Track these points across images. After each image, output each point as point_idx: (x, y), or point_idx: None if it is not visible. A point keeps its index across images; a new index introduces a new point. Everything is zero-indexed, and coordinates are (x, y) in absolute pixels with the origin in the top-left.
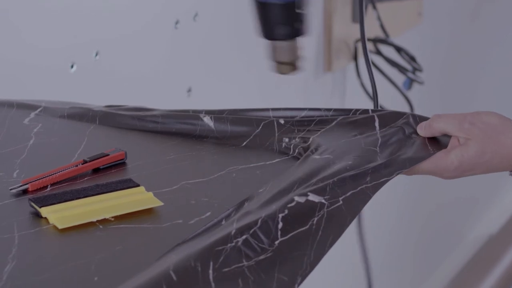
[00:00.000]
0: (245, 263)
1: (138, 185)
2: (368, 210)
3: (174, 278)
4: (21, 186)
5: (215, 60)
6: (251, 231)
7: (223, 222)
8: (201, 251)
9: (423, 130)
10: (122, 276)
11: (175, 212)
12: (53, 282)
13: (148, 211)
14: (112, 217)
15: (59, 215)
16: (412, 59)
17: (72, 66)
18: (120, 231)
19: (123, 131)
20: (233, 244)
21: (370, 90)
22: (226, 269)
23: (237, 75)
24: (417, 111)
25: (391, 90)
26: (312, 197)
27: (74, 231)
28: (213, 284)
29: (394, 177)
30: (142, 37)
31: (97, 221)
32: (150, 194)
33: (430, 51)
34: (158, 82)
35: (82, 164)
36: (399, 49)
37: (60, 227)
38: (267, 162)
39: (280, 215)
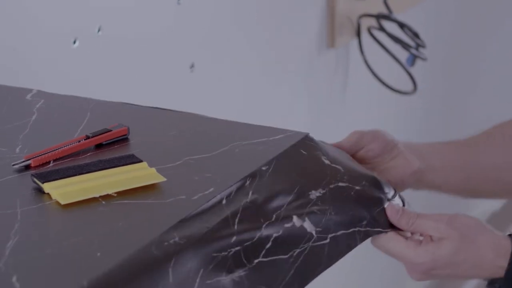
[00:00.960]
0: (225, 277)
1: (141, 161)
2: None
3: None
4: (23, 161)
5: (218, 36)
6: (246, 244)
7: (224, 201)
8: (202, 254)
9: (399, 222)
10: (125, 251)
11: (178, 187)
12: (55, 258)
13: (151, 187)
14: (115, 193)
15: (62, 190)
16: (415, 35)
17: (74, 42)
18: (123, 207)
19: (126, 106)
20: (226, 253)
21: (373, 67)
22: (209, 281)
23: (240, 51)
24: (420, 88)
25: (394, 67)
26: (307, 224)
27: (77, 207)
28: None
29: (387, 231)
30: (144, 12)
31: (100, 196)
32: (153, 169)
33: (434, 28)
34: (160, 57)
35: (84, 139)
36: (402, 25)
37: (62, 202)
38: (270, 138)
39: (274, 235)
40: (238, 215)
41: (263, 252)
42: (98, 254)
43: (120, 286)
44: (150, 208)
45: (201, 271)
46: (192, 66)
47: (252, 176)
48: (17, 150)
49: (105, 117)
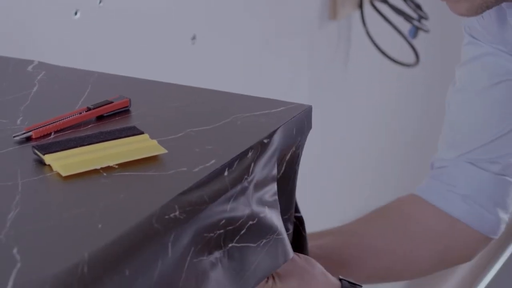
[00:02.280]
0: (206, 257)
1: (142, 133)
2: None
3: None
4: (24, 133)
5: (220, 8)
6: (228, 228)
7: (226, 172)
8: (196, 233)
9: None
10: (126, 223)
11: (180, 159)
12: (57, 229)
13: (152, 159)
14: (116, 165)
15: (63, 162)
16: (417, 7)
17: (76, 13)
18: (124, 179)
19: (127, 79)
20: (213, 235)
21: (375, 39)
22: (195, 260)
23: (241, 23)
24: (423, 59)
25: (396, 38)
26: (275, 217)
27: (78, 179)
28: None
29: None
30: None
31: (101, 168)
32: (154, 141)
33: None
34: (162, 29)
35: (86, 111)
36: None
37: (64, 174)
38: (272, 110)
39: (250, 222)
40: (235, 195)
41: (237, 237)
42: (99, 226)
43: (121, 258)
44: (151, 180)
45: (192, 249)
46: (193, 38)
47: (254, 148)
48: (18, 121)
49: (106, 89)
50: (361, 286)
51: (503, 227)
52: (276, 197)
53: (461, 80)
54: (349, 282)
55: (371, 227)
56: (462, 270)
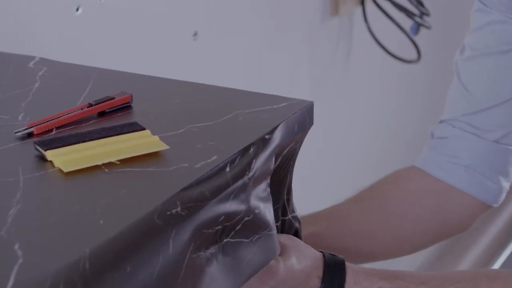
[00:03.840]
0: (203, 253)
1: (143, 129)
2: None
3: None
4: (26, 129)
5: (221, 4)
6: (226, 224)
7: (228, 168)
8: (195, 229)
9: None
10: (128, 219)
11: (181, 155)
12: (58, 226)
13: (154, 155)
14: (118, 161)
15: (64, 158)
16: (419, 3)
17: (77, 9)
18: (126, 175)
19: (128, 75)
20: (211, 231)
21: (377, 35)
22: (194, 255)
23: (243, 19)
24: (424, 56)
25: (398, 35)
26: (268, 213)
27: (79, 175)
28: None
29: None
30: None
31: (103, 164)
32: (156, 137)
33: None
34: (163, 25)
35: (87, 107)
36: None
37: (65, 170)
38: (274, 106)
39: (246, 218)
40: (236, 191)
41: (232, 233)
42: (101, 221)
43: (122, 254)
44: (152, 176)
45: (192, 245)
46: (195, 34)
47: (256, 144)
48: (20, 117)
49: (108, 85)
50: (342, 257)
51: (504, 195)
52: (269, 190)
53: (471, 46)
54: (330, 254)
55: (363, 209)
56: (464, 266)
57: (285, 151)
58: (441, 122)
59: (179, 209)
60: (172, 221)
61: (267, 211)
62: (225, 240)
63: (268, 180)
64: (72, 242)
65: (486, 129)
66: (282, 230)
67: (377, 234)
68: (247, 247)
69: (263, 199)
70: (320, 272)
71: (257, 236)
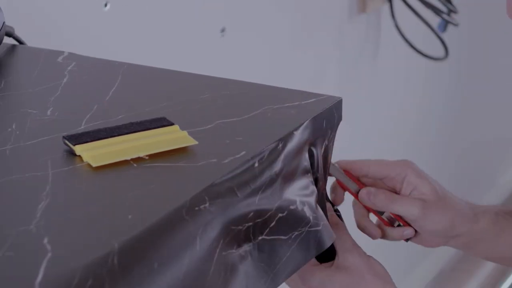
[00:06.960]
0: (235, 250)
1: (172, 124)
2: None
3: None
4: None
5: (249, 1)
6: (257, 220)
7: (256, 164)
8: (224, 225)
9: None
10: (156, 214)
11: (210, 151)
12: (86, 220)
13: (183, 150)
14: (147, 156)
15: (93, 153)
16: (447, 0)
17: (105, 5)
18: (154, 170)
19: (156, 69)
20: (241, 227)
21: (404, 32)
22: (224, 253)
23: (270, 16)
24: (452, 53)
25: (426, 32)
26: (307, 209)
27: (108, 169)
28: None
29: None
30: None
31: (131, 159)
32: (185, 132)
33: None
34: (191, 21)
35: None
36: None
37: (94, 165)
38: (302, 102)
39: (280, 215)
40: (264, 187)
41: (267, 230)
42: (129, 216)
43: (151, 249)
44: (181, 171)
45: (221, 242)
46: (223, 30)
47: (284, 139)
48: (48, 112)
49: (137, 80)
50: None
51: None
52: (312, 189)
53: None
54: None
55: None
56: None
57: (322, 150)
58: None
59: (207, 204)
60: (200, 217)
61: (307, 208)
62: (260, 238)
63: (308, 178)
64: (100, 237)
65: None
66: None
67: None
68: (285, 244)
69: (302, 196)
70: None
71: (296, 232)
